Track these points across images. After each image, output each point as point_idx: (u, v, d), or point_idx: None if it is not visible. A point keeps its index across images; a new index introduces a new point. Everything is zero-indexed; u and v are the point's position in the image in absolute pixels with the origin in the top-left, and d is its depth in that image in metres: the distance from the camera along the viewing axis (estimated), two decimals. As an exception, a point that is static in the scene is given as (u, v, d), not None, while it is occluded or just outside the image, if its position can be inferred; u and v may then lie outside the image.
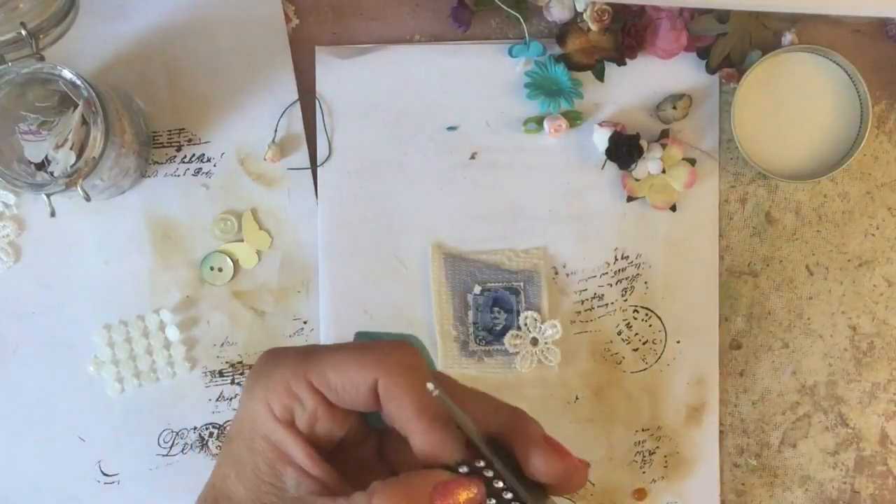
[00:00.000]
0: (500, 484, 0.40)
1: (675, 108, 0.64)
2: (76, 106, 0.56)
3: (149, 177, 0.65)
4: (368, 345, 0.41)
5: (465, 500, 0.39)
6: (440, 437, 0.40)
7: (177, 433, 0.65)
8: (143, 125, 0.63)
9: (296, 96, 0.64)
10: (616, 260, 0.65)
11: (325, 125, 0.64)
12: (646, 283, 0.65)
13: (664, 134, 0.64)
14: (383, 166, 0.65)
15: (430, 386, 0.38)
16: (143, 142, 0.63)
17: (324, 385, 0.40)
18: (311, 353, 0.41)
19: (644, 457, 0.65)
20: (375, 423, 0.43)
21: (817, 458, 0.66)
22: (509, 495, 0.40)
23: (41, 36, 0.57)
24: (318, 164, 0.65)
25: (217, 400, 0.65)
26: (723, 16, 0.63)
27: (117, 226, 0.64)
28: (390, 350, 0.40)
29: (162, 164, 0.64)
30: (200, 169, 0.65)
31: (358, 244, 0.65)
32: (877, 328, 0.66)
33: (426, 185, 0.65)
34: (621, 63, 0.64)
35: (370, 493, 0.39)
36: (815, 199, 0.66)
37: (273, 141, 0.64)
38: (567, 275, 0.65)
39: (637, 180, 0.64)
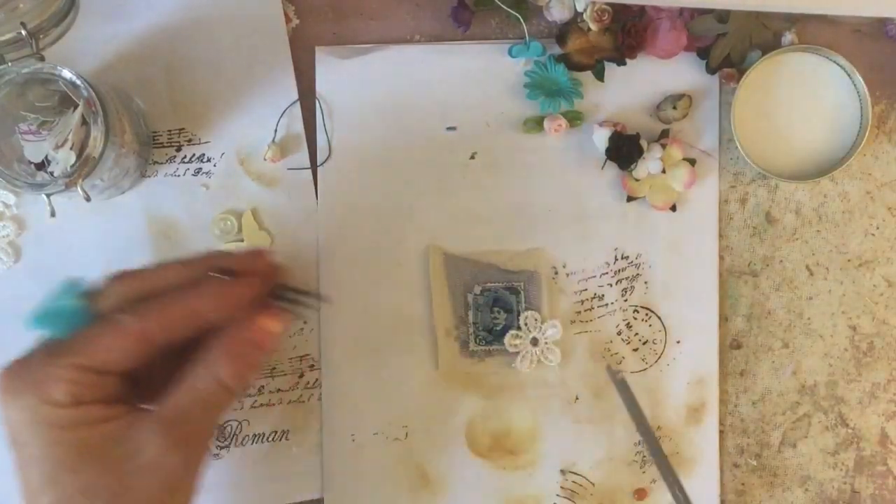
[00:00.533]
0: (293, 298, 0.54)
1: (675, 108, 0.64)
2: (76, 106, 0.56)
3: (149, 177, 0.64)
4: (108, 320, 0.47)
5: (274, 327, 0.50)
6: (219, 296, 0.48)
7: (177, 433, 0.65)
8: (143, 125, 0.63)
9: (296, 96, 0.64)
10: (616, 260, 0.65)
11: (325, 125, 0.64)
12: (646, 283, 0.65)
13: (664, 134, 0.64)
14: (383, 166, 0.65)
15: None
16: (143, 142, 0.63)
17: (95, 363, 0.45)
18: (64, 346, 0.46)
19: (644, 457, 0.65)
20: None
21: (817, 458, 0.66)
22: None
23: (41, 36, 0.57)
24: (318, 164, 0.64)
25: (217, 400, 0.65)
26: (723, 16, 0.63)
27: (117, 226, 0.64)
28: (123, 318, 0.46)
29: (162, 164, 0.64)
30: (200, 169, 0.65)
31: (358, 244, 0.65)
32: (877, 328, 0.66)
33: (426, 185, 0.65)
34: (621, 63, 0.64)
35: (213, 369, 0.47)
36: (815, 199, 0.66)
37: (273, 141, 0.64)
38: (567, 275, 0.65)
39: (637, 180, 0.64)
